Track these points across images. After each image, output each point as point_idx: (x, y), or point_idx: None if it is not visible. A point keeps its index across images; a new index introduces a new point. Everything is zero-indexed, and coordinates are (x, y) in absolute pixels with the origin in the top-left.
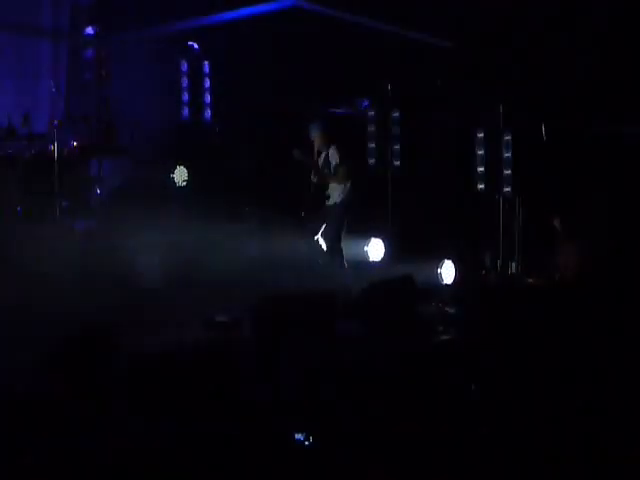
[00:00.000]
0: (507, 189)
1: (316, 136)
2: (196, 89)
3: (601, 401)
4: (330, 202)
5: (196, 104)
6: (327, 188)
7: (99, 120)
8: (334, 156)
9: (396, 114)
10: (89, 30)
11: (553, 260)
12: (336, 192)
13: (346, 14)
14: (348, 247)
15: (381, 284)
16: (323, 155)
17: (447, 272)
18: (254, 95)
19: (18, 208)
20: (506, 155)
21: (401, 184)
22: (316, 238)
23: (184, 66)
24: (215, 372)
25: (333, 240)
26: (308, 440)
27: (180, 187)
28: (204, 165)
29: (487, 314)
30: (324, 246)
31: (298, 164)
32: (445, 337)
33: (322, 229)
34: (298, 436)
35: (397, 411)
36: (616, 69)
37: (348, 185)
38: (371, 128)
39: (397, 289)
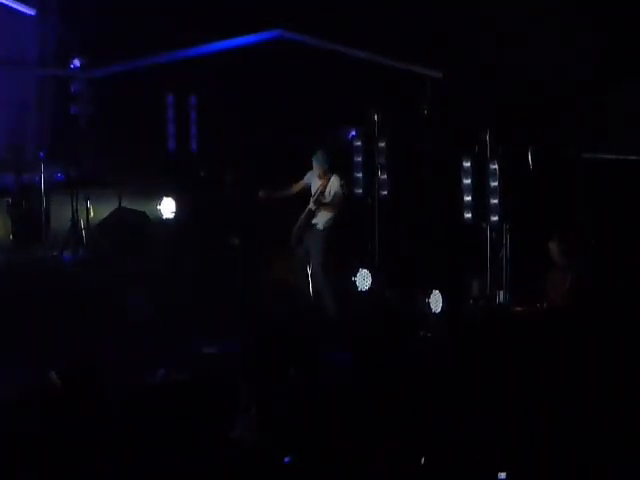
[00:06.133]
0: (494, 218)
1: (320, 164)
2: (182, 121)
3: (593, 428)
4: (318, 227)
5: (182, 136)
6: (314, 215)
7: (86, 152)
8: (335, 185)
9: (383, 144)
10: (75, 63)
11: (541, 289)
12: (323, 218)
13: (332, 44)
14: (336, 277)
15: (369, 313)
16: (319, 183)
17: (435, 301)
18: (240, 126)
19: (6, 240)
20: (493, 184)
21: (388, 214)
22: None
23: (170, 98)
24: (203, 404)
25: (321, 266)
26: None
27: (167, 219)
28: (191, 197)
29: (475, 343)
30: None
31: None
32: (433, 366)
33: (311, 258)
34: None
35: (385, 440)
36: (604, 96)
37: (335, 212)
38: (358, 158)
39: (386, 318)
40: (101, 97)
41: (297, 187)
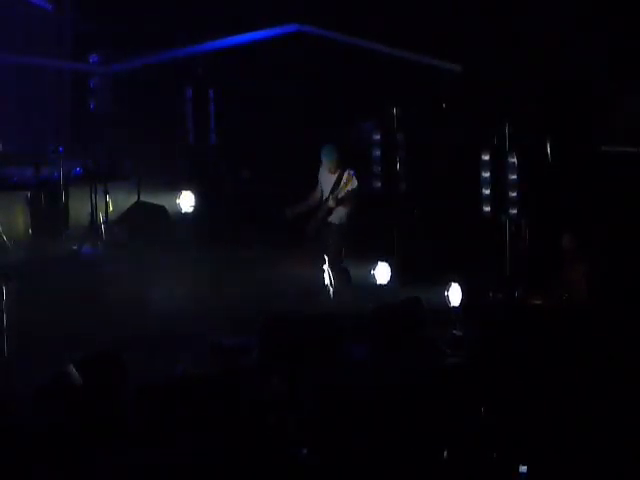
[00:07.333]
0: (513, 211)
1: (332, 158)
2: (201, 115)
3: (611, 420)
4: (336, 222)
5: (201, 130)
6: (331, 212)
7: (104, 147)
8: (351, 180)
9: (401, 137)
10: (93, 58)
11: (560, 281)
12: (340, 214)
13: (350, 38)
14: (355, 270)
15: (388, 307)
16: (332, 178)
17: (454, 294)
18: (259, 120)
19: (25, 234)
20: (512, 177)
21: (407, 207)
22: (325, 267)
23: (189, 92)
24: (223, 397)
25: (339, 258)
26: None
27: (186, 213)
28: (210, 190)
29: (495, 336)
30: (329, 269)
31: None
32: (453, 359)
33: (327, 252)
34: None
35: (403, 434)
36: (621, 87)
37: (351, 207)
38: (376, 151)
39: (405, 312)
40: (119, 91)
41: (317, 194)
